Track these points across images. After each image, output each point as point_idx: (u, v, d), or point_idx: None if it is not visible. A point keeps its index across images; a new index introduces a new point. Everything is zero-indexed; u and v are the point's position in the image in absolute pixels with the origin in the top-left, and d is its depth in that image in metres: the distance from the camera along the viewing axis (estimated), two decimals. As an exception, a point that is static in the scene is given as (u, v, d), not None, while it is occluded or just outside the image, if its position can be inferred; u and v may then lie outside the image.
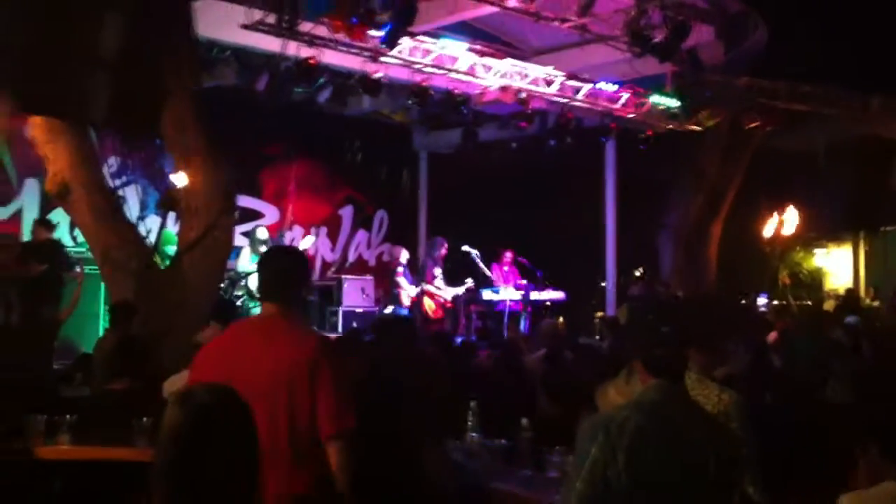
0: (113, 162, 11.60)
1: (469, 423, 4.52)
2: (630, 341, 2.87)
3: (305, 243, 12.00)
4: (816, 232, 14.26)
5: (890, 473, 2.70)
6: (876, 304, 12.62)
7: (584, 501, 2.49)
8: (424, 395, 3.47)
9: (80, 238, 9.52)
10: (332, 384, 2.85)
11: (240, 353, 2.94)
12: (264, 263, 3.23)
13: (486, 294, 11.82)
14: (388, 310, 11.62)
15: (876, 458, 2.75)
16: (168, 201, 8.95)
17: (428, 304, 11.90)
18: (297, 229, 13.37)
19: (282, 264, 3.17)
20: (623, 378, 3.43)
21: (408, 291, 11.76)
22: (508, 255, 12.15)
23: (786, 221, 12.95)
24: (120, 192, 11.10)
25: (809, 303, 13.37)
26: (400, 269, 11.94)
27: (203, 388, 1.96)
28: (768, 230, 13.01)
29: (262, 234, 11.50)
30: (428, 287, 11.84)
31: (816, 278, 15.02)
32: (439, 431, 3.43)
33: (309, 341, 2.97)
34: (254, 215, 12.90)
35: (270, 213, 13.31)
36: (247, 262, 10.83)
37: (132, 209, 11.58)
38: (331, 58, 9.62)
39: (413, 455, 3.33)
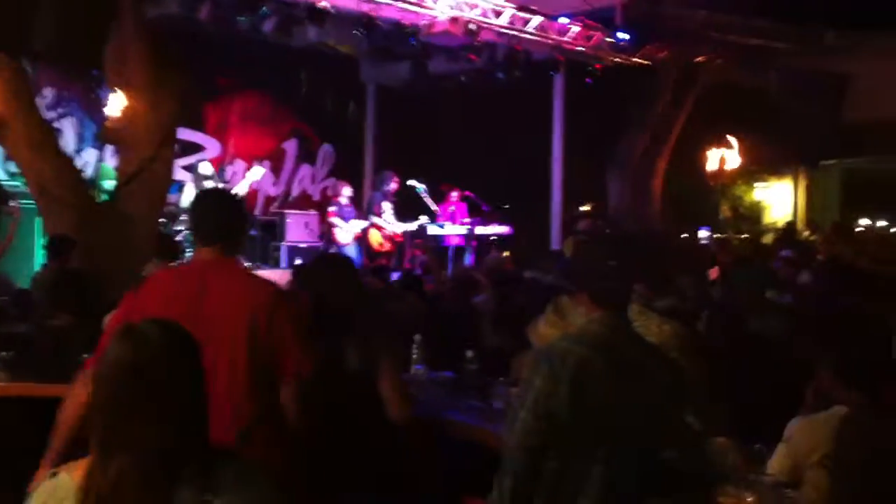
0: (49, 93, 11.24)
1: (414, 356, 4.55)
2: (576, 274, 2.87)
3: (254, 174, 11.78)
4: (758, 166, 14.47)
5: (840, 398, 2.77)
6: (814, 237, 12.91)
7: (528, 432, 2.52)
8: (370, 328, 3.45)
9: (14, 170, 9.25)
10: (293, 328, 2.88)
11: (188, 296, 2.87)
12: (200, 207, 3.13)
13: (432, 229, 11.81)
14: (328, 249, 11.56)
15: (827, 381, 2.82)
16: (106, 134, 8.71)
17: (374, 237, 11.86)
18: (240, 163, 13.13)
19: (220, 210, 3.07)
20: (551, 311, 3.47)
21: (345, 228, 11.69)
22: (454, 194, 12.10)
23: (728, 156, 13.13)
24: (56, 125, 10.79)
25: (748, 236, 13.65)
26: (333, 208, 11.85)
27: (148, 322, 1.90)
28: (712, 164, 13.18)
29: (206, 168, 11.29)
30: (376, 220, 11.79)
31: (756, 212, 15.30)
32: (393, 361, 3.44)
33: (265, 287, 2.97)
34: (195, 148, 12.63)
35: (212, 147, 13.03)
36: (190, 197, 10.63)
37: (69, 142, 11.32)
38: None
39: (367, 386, 3.34)
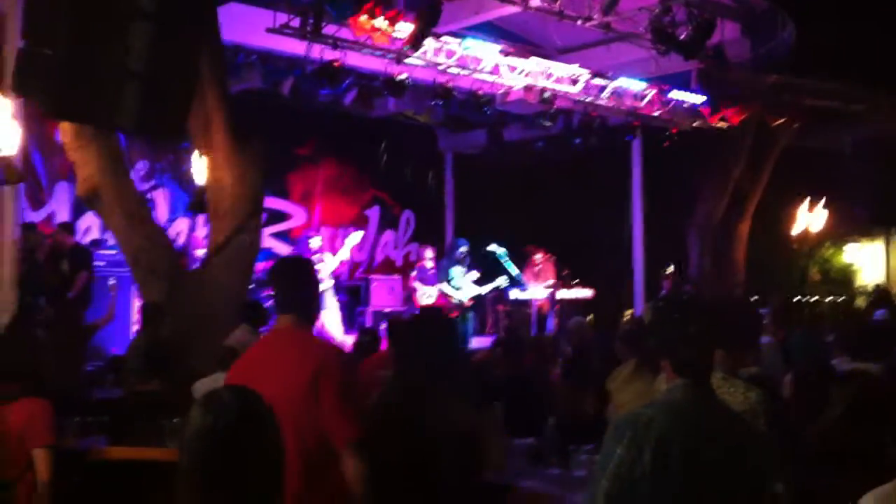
0: (142, 166, 11.77)
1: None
2: (656, 340, 2.86)
3: (353, 239, 11.94)
4: (845, 228, 14.12)
5: None
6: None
7: (609, 499, 2.50)
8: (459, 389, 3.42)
9: (111, 241, 9.65)
10: (337, 394, 2.88)
11: (259, 368, 2.98)
12: (273, 276, 3.27)
13: (513, 293, 11.80)
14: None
15: None
16: (198, 204, 9.02)
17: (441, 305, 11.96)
18: (325, 230, 13.45)
19: (291, 276, 3.21)
20: (630, 370, 3.42)
21: (427, 293, 11.77)
22: (539, 256, 12.08)
23: (814, 218, 12.84)
24: (149, 196, 11.27)
25: (839, 299, 13.28)
26: (413, 273, 11.98)
27: (228, 390, 1.98)
28: (797, 228, 12.91)
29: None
30: (442, 287, 11.88)
31: (847, 275, 14.86)
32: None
33: (313, 352, 3.01)
34: (282, 217, 13.01)
35: (298, 215, 13.41)
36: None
37: (162, 212, 11.79)
38: (355, 60, 9.67)
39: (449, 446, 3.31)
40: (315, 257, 10.76)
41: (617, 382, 3.42)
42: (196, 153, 8.49)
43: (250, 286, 9.40)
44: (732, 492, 2.54)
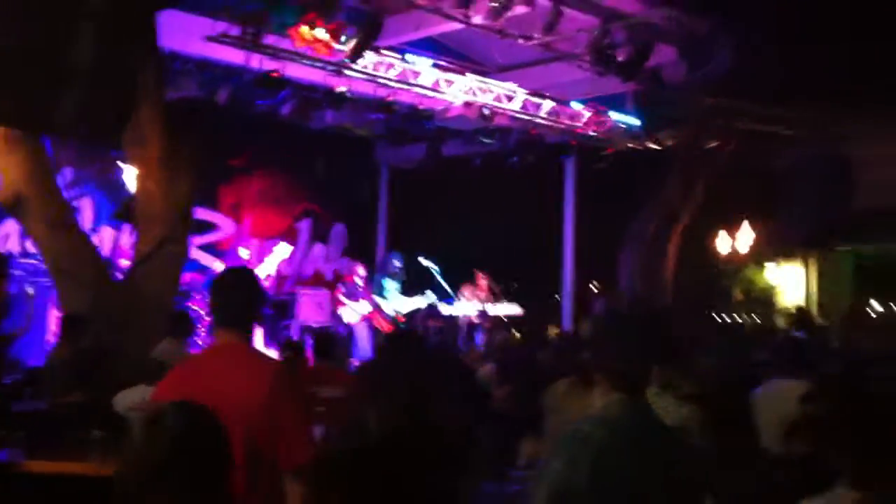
0: (67, 173, 11.44)
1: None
2: (594, 354, 2.86)
3: (281, 253, 11.82)
4: (770, 249, 14.48)
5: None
6: (824, 322, 12.82)
7: (547, 515, 2.48)
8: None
9: (31, 249, 9.35)
10: (294, 416, 2.79)
11: (201, 386, 2.79)
12: (219, 288, 3.06)
13: (444, 308, 11.82)
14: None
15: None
16: (124, 212, 8.82)
17: (375, 319, 11.93)
18: (253, 242, 13.26)
19: (238, 289, 3.03)
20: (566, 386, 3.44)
21: (352, 307, 11.72)
22: (483, 282, 12.06)
23: (740, 239, 13.16)
24: (74, 204, 10.95)
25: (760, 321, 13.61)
26: (341, 287, 11.92)
27: (174, 407, 1.92)
28: (723, 247, 13.21)
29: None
30: (375, 301, 11.85)
31: (769, 295, 15.25)
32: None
33: (266, 372, 2.86)
34: (208, 227, 12.77)
35: (226, 226, 13.18)
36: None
37: (86, 220, 11.47)
38: (294, 71, 9.59)
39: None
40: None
41: (553, 398, 3.42)
42: (127, 161, 8.31)
43: (176, 297, 9.21)
44: (670, 505, 2.55)
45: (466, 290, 11.96)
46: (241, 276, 3.24)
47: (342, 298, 11.78)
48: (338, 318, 11.98)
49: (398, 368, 3.28)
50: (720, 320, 13.78)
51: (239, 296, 3.01)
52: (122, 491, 1.82)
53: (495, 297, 11.99)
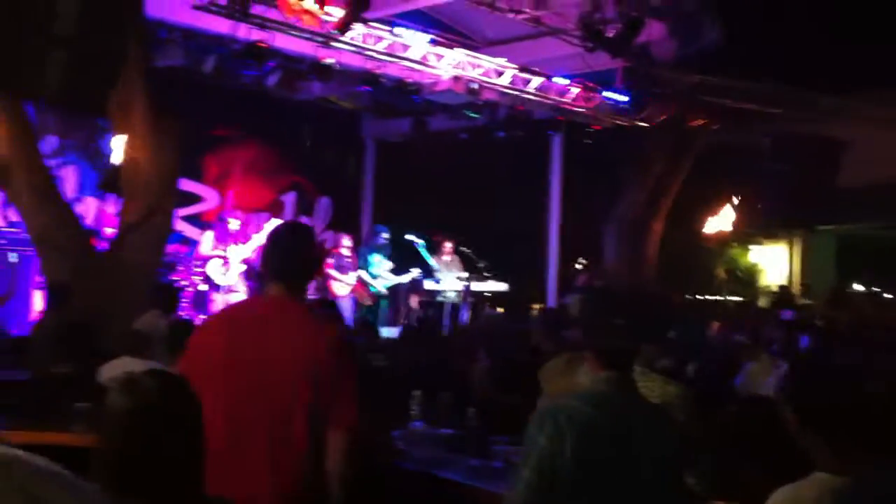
0: (51, 141, 11.31)
1: (413, 412, 4.51)
2: (583, 331, 2.88)
3: (270, 226, 11.76)
4: (753, 229, 14.56)
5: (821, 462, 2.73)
6: (807, 301, 12.95)
7: (531, 490, 2.50)
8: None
9: (13, 218, 9.27)
10: (349, 379, 2.82)
11: (250, 337, 2.83)
12: (275, 242, 3.04)
13: (428, 284, 11.81)
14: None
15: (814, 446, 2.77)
16: (109, 183, 8.75)
17: (359, 292, 11.94)
18: (238, 215, 13.17)
19: (294, 245, 3.02)
20: (564, 361, 3.46)
21: (342, 280, 11.69)
22: (448, 245, 12.11)
23: (724, 218, 13.23)
24: (57, 172, 10.83)
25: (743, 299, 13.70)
26: (329, 260, 11.87)
27: (149, 375, 1.93)
28: (708, 226, 13.27)
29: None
30: (360, 275, 11.84)
31: (752, 275, 15.35)
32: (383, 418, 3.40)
33: (328, 333, 2.88)
34: (193, 199, 12.68)
35: (211, 198, 13.09)
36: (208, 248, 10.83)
37: (70, 190, 11.36)
38: (282, 41, 9.49)
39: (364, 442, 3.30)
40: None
41: (548, 374, 3.44)
42: (112, 129, 8.23)
43: (160, 268, 9.17)
44: (654, 482, 2.58)
45: (437, 260, 11.95)
46: (299, 231, 3.22)
47: (332, 273, 11.73)
48: (325, 292, 11.94)
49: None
50: (702, 299, 13.87)
51: (295, 251, 3.00)
52: (99, 460, 1.83)
53: (464, 263, 11.97)
